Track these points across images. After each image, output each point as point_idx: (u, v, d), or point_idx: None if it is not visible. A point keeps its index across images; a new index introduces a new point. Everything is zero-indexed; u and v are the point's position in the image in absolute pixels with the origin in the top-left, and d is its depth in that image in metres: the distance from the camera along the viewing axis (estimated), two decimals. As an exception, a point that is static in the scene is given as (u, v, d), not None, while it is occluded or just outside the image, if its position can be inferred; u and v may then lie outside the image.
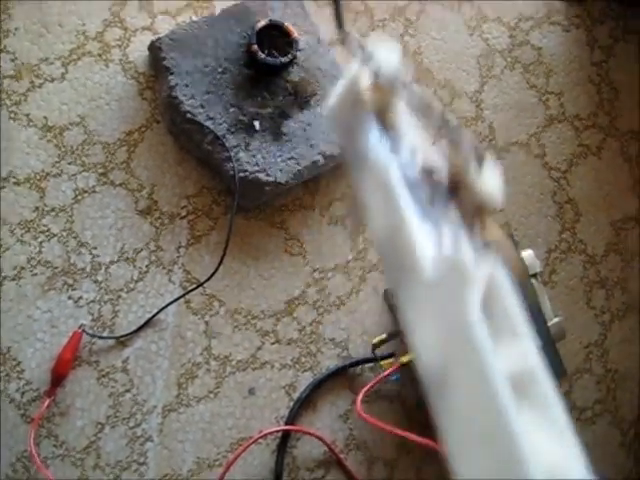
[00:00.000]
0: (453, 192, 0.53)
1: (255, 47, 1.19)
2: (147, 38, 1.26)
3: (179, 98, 1.19)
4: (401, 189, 0.52)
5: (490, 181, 0.53)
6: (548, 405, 0.44)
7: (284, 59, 1.20)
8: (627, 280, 1.43)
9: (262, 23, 1.21)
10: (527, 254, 1.18)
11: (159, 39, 1.21)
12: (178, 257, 1.21)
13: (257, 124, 1.20)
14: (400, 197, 0.51)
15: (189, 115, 1.19)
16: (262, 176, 1.19)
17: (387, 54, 0.59)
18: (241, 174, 1.19)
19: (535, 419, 0.42)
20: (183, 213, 1.23)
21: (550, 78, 1.44)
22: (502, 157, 1.38)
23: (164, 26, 1.27)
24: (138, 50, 1.26)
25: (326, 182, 1.28)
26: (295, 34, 1.21)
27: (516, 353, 0.46)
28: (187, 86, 1.20)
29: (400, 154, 0.56)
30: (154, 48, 1.22)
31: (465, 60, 1.39)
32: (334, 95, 0.67)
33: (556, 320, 1.17)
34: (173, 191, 1.23)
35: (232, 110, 1.20)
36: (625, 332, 1.41)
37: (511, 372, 0.43)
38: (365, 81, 0.59)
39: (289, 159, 1.21)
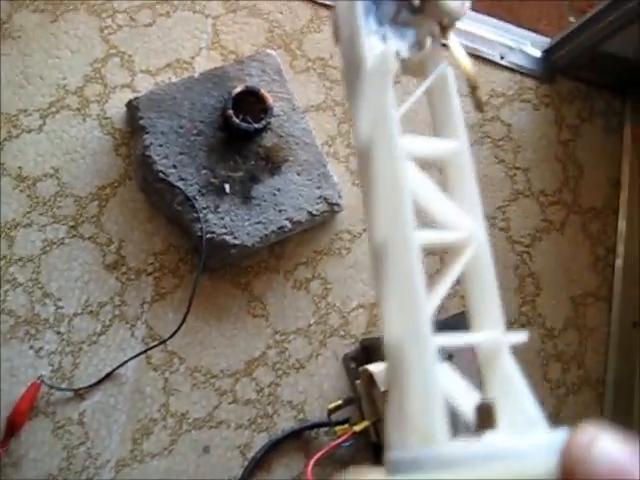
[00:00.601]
0: (420, 6, 0.56)
1: (230, 112, 1.22)
2: (126, 95, 1.28)
3: (152, 157, 1.22)
4: (358, 3, 0.55)
5: None
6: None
7: (258, 125, 1.23)
8: (583, 355, 1.46)
9: (238, 89, 1.24)
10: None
11: (137, 98, 1.24)
12: (142, 313, 1.23)
13: (227, 187, 1.23)
14: (357, 9, 0.55)
15: (161, 175, 1.21)
16: (229, 238, 1.22)
17: None
18: (209, 235, 1.21)
19: None
20: (149, 270, 1.25)
21: (518, 154, 1.49)
22: (467, 229, 1.41)
23: (144, 84, 1.30)
24: (116, 107, 1.29)
25: (292, 246, 1.30)
26: (270, 101, 1.25)
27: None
28: (161, 146, 1.22)
29: None
30: (131, 107, 1.25)
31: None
32: None
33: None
34: (141, 247, 1.25)
35: (204, 172, 1.23)
36: (579, 407, 1.44)
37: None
38: None
39: (257, 223, 1.23)
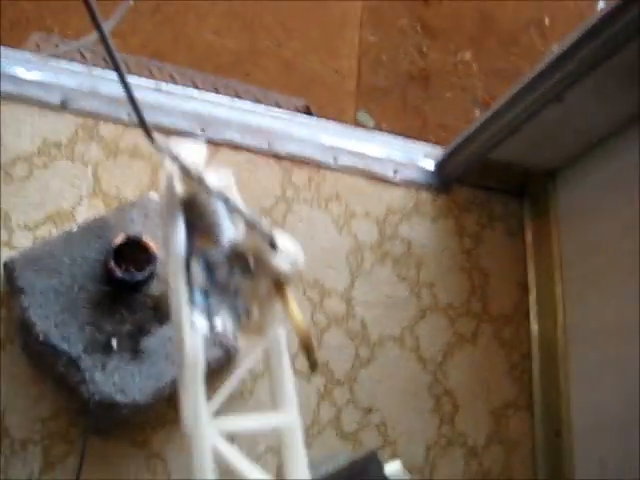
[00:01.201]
0: (254, 269, 0.64)
1: (112, 265, 1.18)
2: (4, 254, 1.23)
3: (32, 319, 1.16)
4: (182, 278, 0.62)
5: (284, 259, 0.63)
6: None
7: (141, 275, 1.19)
8: (511, 468, 1.41)
9: (119, 239, 1.20)
10: (393, 468, 1.15)
11: (12, 259, 1.19)
12: (30, 488, 1.14)
13: (114, 343, 1.17)
14: (181, 284, 0.62)
15: (42, 337, 1.15)
16: (119, 397, 1.15)
17: (192, 152, 0.71)
18: (97, 396, 1.14)
19: None
20: (37, 438, 1.17)
21: (421, 269, 1.47)
22: (376, 353, 1.38)
23: (22, 241, 1.25)
24: (-7, 267, 1.23)
25: (190, 396, 1.24)
26: (153, 249, 1.21)
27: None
28: (41, 307, 1.17)
29: (206, 237, 0.67)
30: (7, 268, 1.19)
31: (335, 257, 1.41)
32: (159, 191, 0.75)
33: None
34: (26, 415, 1.17)
35: (88, 329, 1.17)
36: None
37: None
38: (176, 174, 0.69)
39: (148, 378, 1.17)
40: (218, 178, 0.71)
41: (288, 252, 0.63)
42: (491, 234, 1.55)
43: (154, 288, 1.22)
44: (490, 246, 1.54)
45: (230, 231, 0.68)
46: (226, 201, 0.65)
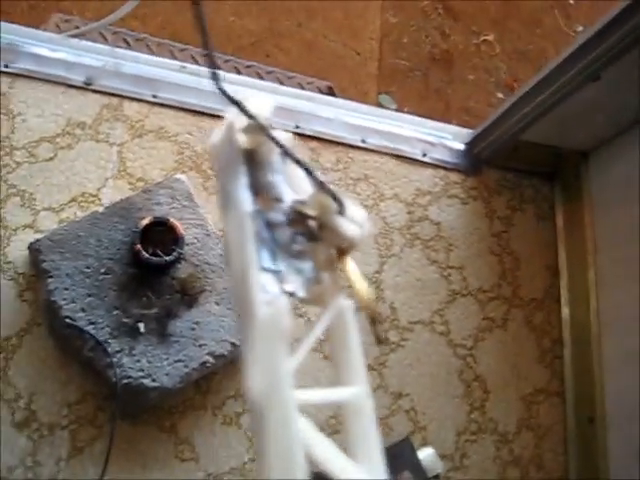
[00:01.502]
0: (317, 233, 0.59)
1: (138, 247, 1.16)
2: (28, 236, 1.21)
3: (58, 302, 1.14)
4: (251, 236, 0.57)
5: (350, 223, 0.59)
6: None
7: (169, 258, 1.17)
8: (541, 456, 1.38)
9: (146, 221, 1.18)
10: (426, 454, 1.13)
11: (38, 241, 1.17)
12: (58, 472, 1.13)
13: (142, 326, 1.15)
14: (249, 243, 0.56)
15: (69, 320, 1.13)
16: (147, 382, 1.13)
17: (259, 104, 0.64)
18: (125, 380, 1.12)
19: None
20: (64, 423, 1.15)
21: (451, 252, 1.44)
22: (405, 337, 1.35)
23: (47, 223, 1.23)
24: (18, 249, 1.21)
25: (218, 380, 1.22)
26: (181, 230, 1.19)
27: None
28: (67, 289, 1.15)
29: (265, 195, 0.61)
30: (33, 250, 1.17)
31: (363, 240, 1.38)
32: (215, 135, 0.69)
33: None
34: (54, 399, 1.16)
35: (115, 313, 1.15)
36: (544, 514, 1.35)
37: None
38: (239, 124, 0.64)
39: (176, 362, 1.15)
40: (258, 101, 0.67)
41: (356, 217, 0.59)
42: (522, 217, 1.51)
43: (181, 270, 1.20)
44: (521, 229, 1.51)
45: (291, 191, 0.64)
46: (294, 157, 0.60)
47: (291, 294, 0.56)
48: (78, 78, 1.32)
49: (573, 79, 1.27)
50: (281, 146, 0.61)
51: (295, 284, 0.57)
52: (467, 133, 1.55)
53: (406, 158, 1.47)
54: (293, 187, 0.64)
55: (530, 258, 1.49)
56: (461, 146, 1.53)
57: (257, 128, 0.62)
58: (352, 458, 0.54)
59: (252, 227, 0.57)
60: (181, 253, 1.18)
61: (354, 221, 0.59)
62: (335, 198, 0.58)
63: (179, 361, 1.15)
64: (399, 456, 1.09)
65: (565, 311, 1.49)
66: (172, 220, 1.19)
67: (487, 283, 1.45)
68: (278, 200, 0.62)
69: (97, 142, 1.30)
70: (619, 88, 1.31)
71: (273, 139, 0.60)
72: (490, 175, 1.52)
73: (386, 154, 1.45)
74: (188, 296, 1.19)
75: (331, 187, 0.59)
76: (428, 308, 1.39)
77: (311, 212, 0.60)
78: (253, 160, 0.64)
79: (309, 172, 0.59)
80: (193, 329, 1.18)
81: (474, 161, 1.52)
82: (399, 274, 1.38)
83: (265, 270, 0.55)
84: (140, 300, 1.17)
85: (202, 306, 1.19)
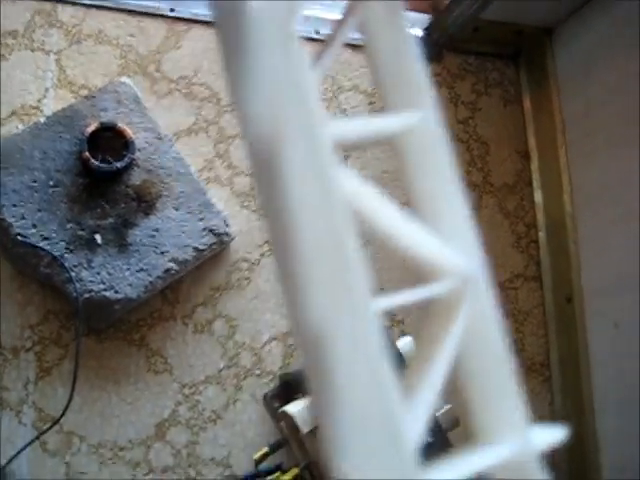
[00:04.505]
0: None
1: (87, 154, 1.09)
2: (-31, 155, 1.14)
3: (7, 220, 1.08)
4: None
5: None
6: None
7: (120, 164, 1.11)
8: (522, 341, 1.37)
9: (92, 127, 1.11)
10: (404, 343, 1.10)
11: (-22, 158, 1.10)
12: (27, 395, 1.09)
13: (99, 238, 1.10)
14: None
15: (20, 237, 1.07)
16: (109, 294, 1.08)
17: None
18: (86, 295, 1.08)
19: None
20: (28, 345, 1.11)
21: (416, 142, 1.38)
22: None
23: (-13, 140, 1.16)
24: (-40, 170, 1.14)
25: (186, 288, 1.18)
26: (130, 134, 1.12)
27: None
28: (15, 206, 1.09)
29: None
30: (-26, 168, 1.11)
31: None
32: None
33: (446, 408, 1.10)
34: (14, 322, 1.11)
35: (69, 226, 1.10)
36: (528, 396, 1.34)
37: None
38: None
39: (138, 271, 1.10)
40: None
41: None
42: (488, 101, 1.46)
43: (135, 177, 1.14)
44: (487, 114, 1.45)
45: None
46: None
47: None
48: (4, -16, 1.23)
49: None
50: None
51: None
52: (424, 18, 1.48)
53: (356, 46, 1.40)
54: None
55: (499, 142, 1.45)
56: (419, 32, 1.46)
57: None
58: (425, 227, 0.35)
59: None
60: (133, 158, 1.12)
61: None
62: None
63: (141, 270, 1.11)
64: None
65: (538, 194, 1.45)
66: (120, 124, 1.12)
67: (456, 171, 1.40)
68: None
69: (32, 51, 1.21)
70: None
71: None
72: (452, 60, 1.46)
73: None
74: (144, 203, 1.13)
75: None
76: (397, 200, 1.34)
77: None
78: None
79: None
80: (153, 236, 1.12)
81: (434, 47, 1.46)
82: (364, 167, 1.33)
83: None
84: (94, 211, 1.11)
85: (160, 212, 1.14)
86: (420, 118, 0.37)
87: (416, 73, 0.37)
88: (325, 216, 0.29)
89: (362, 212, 0.32)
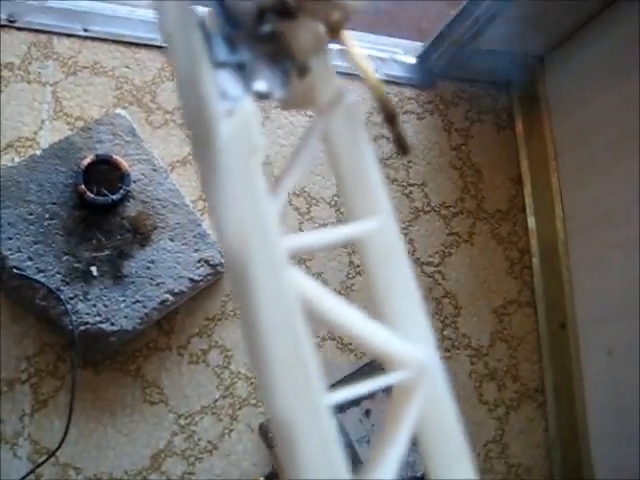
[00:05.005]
0: (293, 4, 0.40)
1: (82, 187, 1.10)
2: (-35, 188, 1.14)
3: (3, 253, 1.08)
4: (195, 37, 0.39)
5: None
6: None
7: (116, 196, 1.11)
8: (517, 367, 1.38)
9: (88, 160, 1.12)
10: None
11: (-26, 191, 1.11)
12: (22, 427, 1.09)
13: (94, 270, 1.10)
14: (193, 31, 0.39)
15: (16, 270, 1.08)
16: (105, 326, 1.09)
17: None
18: (82, 327, 1.08)
19: None
20: (24, 377, 1.11)
21: (410, 169, 1.40)
22: (370, 260, 1.31)
23: (-17, 172, 1.16)
24: (-44, 202, 1.15)
25: (180, 319, 1.18)
26: (125, 167, 1.13)
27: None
28: (11, 239, 1.09)
29: None
30: (-30, 201, 1.11)
31: (319, 163, 1.33)
32: None
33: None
34: (10, 354, 1.11)
35: (65, 258, 1.10)
36: (523, 422, 1.35)
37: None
38: None
39: (134, 303, 1.11)
40: None
41: None
42: (481, 128, 1.47)
43: (130, 209, 1.14)
44: (480, 141, 1.47)
45: None
46: None
47: (264, 95, 0.40)
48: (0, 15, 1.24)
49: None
50: None
51: (268, 80, 0.41)
52: (418, 46, 1.50)
53: (355, 76, 1.41)
54: None
55: (492, 169, 1.46)
56: (412, 60, 1.48)
57: None
58: (382, 319, 0.41)
59: (191, 11, 0.40)
60: (128, 190, 1.13)
61: None
62: None
63: (137, 302, 1.11)
64: (373, 375, 1.06)
65: (531, 220, 1.47)
66: (116, 157, 1.13)
67: (450, 198, 1.41)
68: None
69: (29, 83, 1.22)
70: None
71: None
72: (445, 87, 1.47)
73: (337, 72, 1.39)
74: (140, 235, 1.14)
75: None
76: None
77: None
78: None
79: None
80: (148, 268, 1.13)
81: (428, 74, 1.47)
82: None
83: (222, 65, 0.39)
84: (90, 243, 1.12)
85: (156, 244, 1.14)
86: (378, 223, 0.42)
87: (374, 182, 0.42)
88: (281, 313, 0.35)
89: (316, 309, 0.38)
